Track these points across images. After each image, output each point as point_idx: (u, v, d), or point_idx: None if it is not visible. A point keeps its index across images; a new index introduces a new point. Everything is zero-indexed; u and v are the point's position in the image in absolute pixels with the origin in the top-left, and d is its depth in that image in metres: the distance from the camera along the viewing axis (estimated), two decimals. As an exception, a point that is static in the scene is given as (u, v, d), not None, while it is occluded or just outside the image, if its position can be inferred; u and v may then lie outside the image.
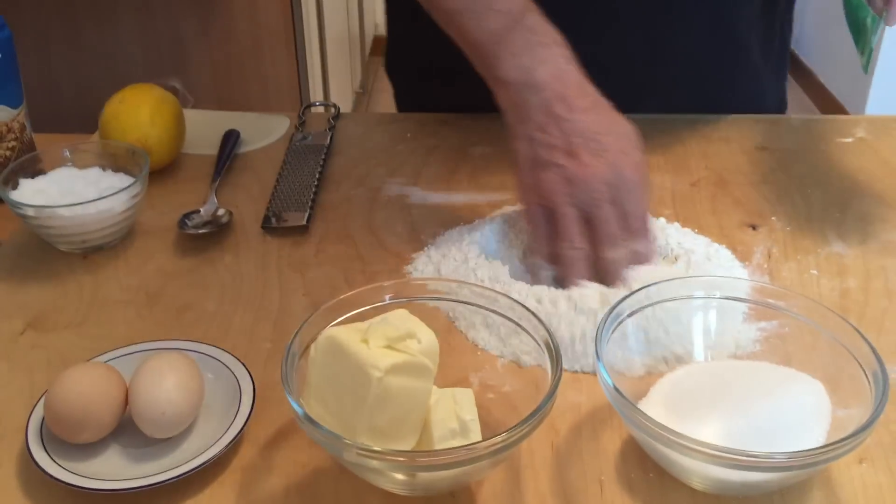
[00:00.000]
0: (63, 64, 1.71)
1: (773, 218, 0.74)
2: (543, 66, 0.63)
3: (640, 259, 0.62)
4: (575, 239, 0.62)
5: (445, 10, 0.68)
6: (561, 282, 0.63)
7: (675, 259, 0.66)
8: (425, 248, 0.70)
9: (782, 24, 0.93)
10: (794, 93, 3.16)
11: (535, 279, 0.64)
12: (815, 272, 0.67)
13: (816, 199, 0.76)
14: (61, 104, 1.61)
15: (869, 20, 0.71)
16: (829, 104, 3.00)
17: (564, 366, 0.57)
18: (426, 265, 0.68)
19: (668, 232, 0.68)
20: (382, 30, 3.34)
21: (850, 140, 0.86)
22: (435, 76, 0.91)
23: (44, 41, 1.69)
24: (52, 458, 0.50)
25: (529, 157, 0.63)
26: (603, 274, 0.62)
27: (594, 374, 0.58)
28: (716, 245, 0.69)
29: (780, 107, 0.97)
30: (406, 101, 1.01)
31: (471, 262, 0.65)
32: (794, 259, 0.69)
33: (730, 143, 0.86)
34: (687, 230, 0.70)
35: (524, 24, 0.65)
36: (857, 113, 2.75)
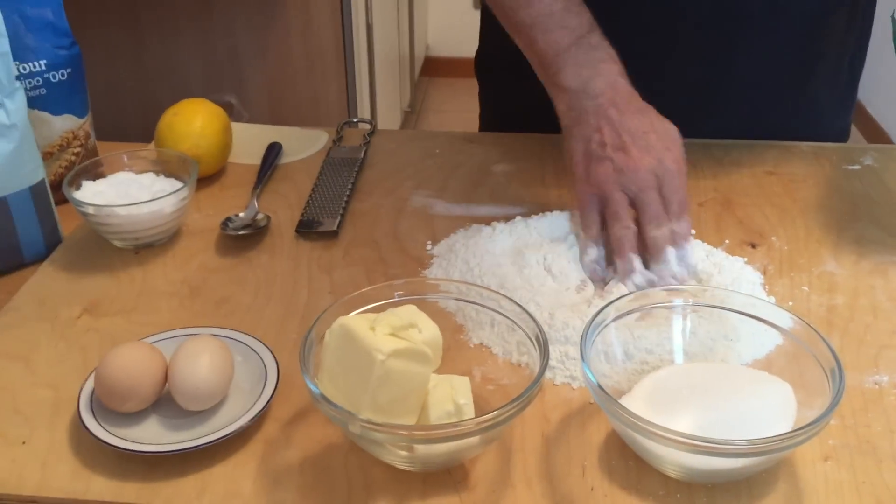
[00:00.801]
0: (128, 77, 1.82)
1: (772, 238, 0.78)
2: (600, 77, 0.73)
3: (679, 238, 0.70)
4: (625, 219, 0.69)
5: (517, 22, 0.77)
6: (610, 259, 0.71)
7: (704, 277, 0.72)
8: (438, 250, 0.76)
9: (852, 58, 0.96)
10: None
11: (582, 260, 0.71)
12: (806, 289, 0.72)
13: (816, 222, 0.81)
14: (124, 115, 1.70)
15: None
16: (873, 132, 2.99)
17: (571, 372, 0.62)
18: (446, 259, 0.74)
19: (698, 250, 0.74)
20: (433, 51, 3.43)
21: (857, 167, 0.90)
22: (520, 76, 0.98)
23: (111, 56, 1.80)
24: (101, 425, 0.57)
25: (585, 154, 0.72)
26: (648, 250, 0.70)
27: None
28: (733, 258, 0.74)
29: (841, 137, 1.01)
30: (490, 102, 1.08)
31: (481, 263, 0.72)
32: (788, 276, 0.73)
33: (740, 166, 0.91)
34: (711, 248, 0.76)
35: (588, 41, 0.74)
36: (897, 141, 2.75)
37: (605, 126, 0.71)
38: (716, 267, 0.72)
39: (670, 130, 0.72)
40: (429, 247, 0.78)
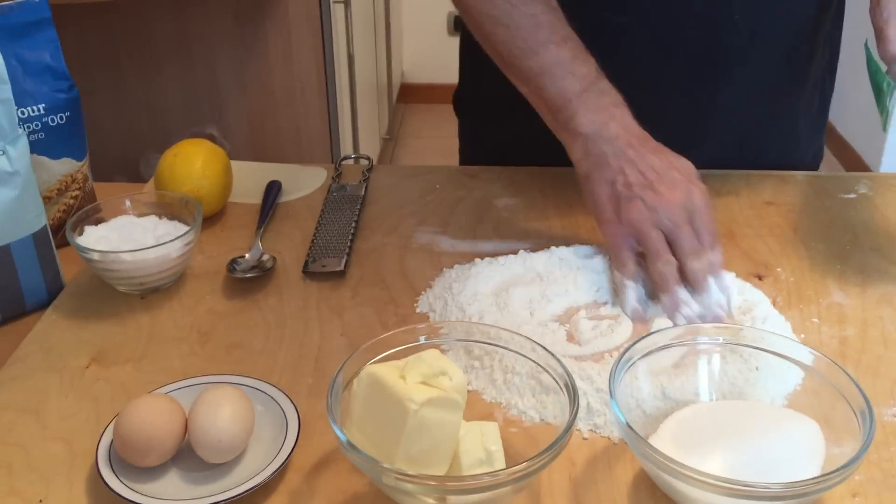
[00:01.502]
0: (107, 111, 1.81)
1: (778, 269, 0.79)
2: (613, 121, 0.75)
3: (715, 267, 0.71)
4: (665, 254, 0.70)
5: (523, 69, 0.78)
6: (653, 296, 0.72)
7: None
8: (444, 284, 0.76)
9: (823, 82, 0.99)
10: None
11: (620, 299, 0.73)
12: (816, 320, 0.72)
13: (819, 252, 0.82)
14: (105, 148, 1.69)
15: (885, 85, 0.77)
16: (850, 159, 3.05)
17: (595, 421, 0.62)
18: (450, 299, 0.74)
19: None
20: (409, 77, 3.44)
21: (852, 196, 0.91)
22: (502, 114, 0.99)
23: (90, 90, 1.78)
24: (120, 480, 0.56)
25: (611, 196, 0.73)
26: (689, 283, 0.71)
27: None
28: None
29: (815, 161, 1.04)
30: (470, 138, 1.09)
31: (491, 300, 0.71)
32: (797, 308, 0.74)
33: (739, 197, 0.92)
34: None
35: (598, 87, 0.76)
36: (874, 168, 2.80)
37: (627, 167, 0.72)
38: (743, 299, 0.73)
39: (688, 165, 0.74)
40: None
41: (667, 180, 0.72)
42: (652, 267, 0.71)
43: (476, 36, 0.81)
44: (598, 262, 0.77)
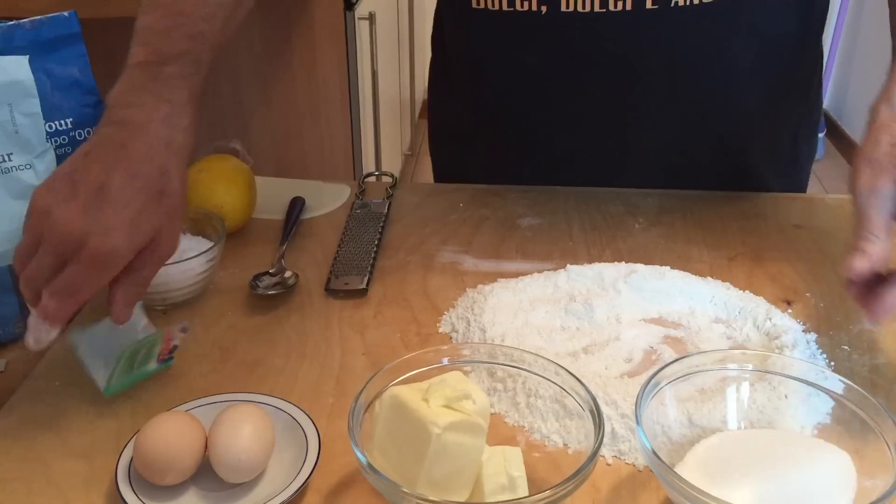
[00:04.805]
0: (132, 125, 1.82)
1: (807, 294, 0.78)
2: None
3: None
4: None
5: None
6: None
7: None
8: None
9: (810, 112, 0.98)
10: (836, 164, 3.18)
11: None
12: (846, 348, 0.71)
13: (849, 277, 0.80)
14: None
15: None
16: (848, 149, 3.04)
17: (619, 447, 0.61)
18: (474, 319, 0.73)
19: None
20: (431, 94, 3.44)
21: (883, 220, 0.90)
22: (471, 148, 0.99)
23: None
24: (139, 498, 0.56)
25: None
26: None
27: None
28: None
29: (801, 189, 1.04)
30: (443, 171, 1.10)
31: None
32: (827, 335, 0.72)
33: (767, 220, 0.90)
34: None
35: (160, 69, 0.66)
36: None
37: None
38: (772, 324, 0.72)
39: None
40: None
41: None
42: None
43: None
44: (622, 283, 0.76)
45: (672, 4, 0.82)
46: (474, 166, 1.02)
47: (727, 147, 0.94)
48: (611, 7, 0.82)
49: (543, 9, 0.84)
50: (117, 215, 0.58)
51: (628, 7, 0.82)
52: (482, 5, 0.87)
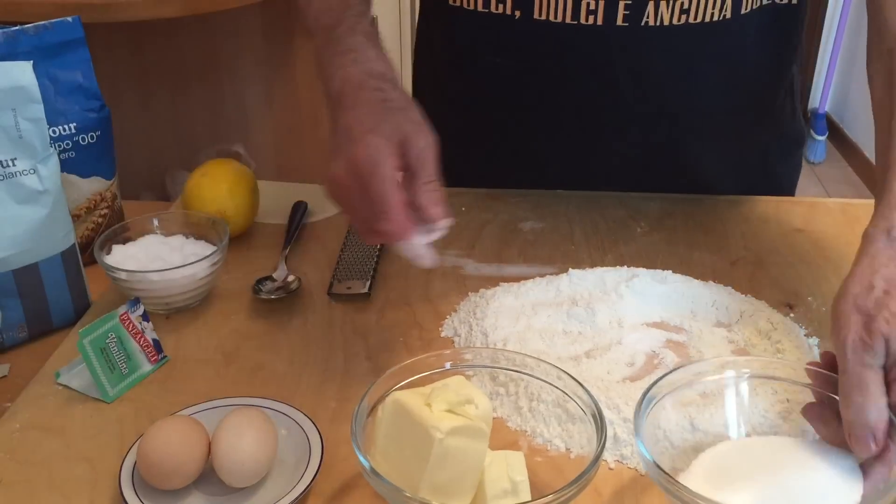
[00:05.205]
0: (133, 128, 1.82)
1: (809, 298, 0.78)
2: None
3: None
4: None
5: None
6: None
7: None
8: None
9: (792, 119, 0.99)
10: (838, 167, 3.18)
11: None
12: (848, 351, 0.71)
13: (851, 281, 0.80)
14: (131, 166, 1.70)
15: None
16: (860, 162, 3.04)
17: (622, 451, 0.61)
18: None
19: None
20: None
21: (885, 224, 0.90)
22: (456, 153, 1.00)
23: (117, 107, 1.80)
24: (143, 502, 0.56)
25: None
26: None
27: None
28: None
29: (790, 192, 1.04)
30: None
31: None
32: (829, 338, 0.72)
33: (768, 224, 0.90)
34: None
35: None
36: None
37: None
38: (773, 328, 0.72)
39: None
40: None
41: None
42: None
43: None
44: (624, 287, 0.76)
45: (642, 24, 0.82)
46: (456, 167, 1.01)
47: (693, 163, 0.94)
48: (582, 20, 0.82)
49: (517, 13, 0.84)
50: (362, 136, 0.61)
51: (599, 21, 0.82)
52: (458, 3, 0.87)
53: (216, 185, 0.85)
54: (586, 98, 0.89)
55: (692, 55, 0.86)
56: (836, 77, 3.31)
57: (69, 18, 0.79)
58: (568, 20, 0.83)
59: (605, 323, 0.73)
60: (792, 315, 0.75)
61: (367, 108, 0.63)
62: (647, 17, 0.81)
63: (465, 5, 0.87)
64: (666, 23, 0.82)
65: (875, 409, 0.53)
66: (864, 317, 0.55)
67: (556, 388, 0.60)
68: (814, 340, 0.72)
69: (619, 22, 0.82)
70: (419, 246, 0.63)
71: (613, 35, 0.83)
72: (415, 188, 0.62)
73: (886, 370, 0.54)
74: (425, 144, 0.63)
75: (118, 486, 0.57)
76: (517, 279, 0.80)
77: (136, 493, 0.56)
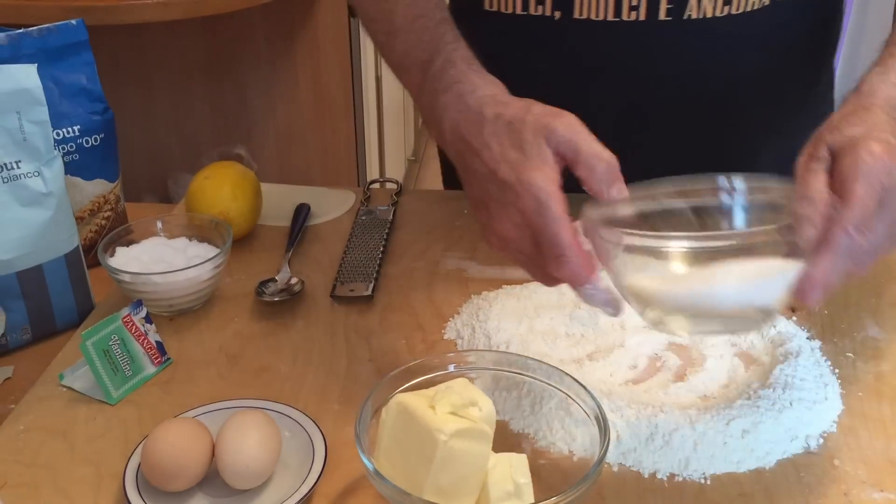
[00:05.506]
0: (136, 131, 1.83)
1: (811, 301, 0.78)
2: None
3: None
4: None
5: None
6: None
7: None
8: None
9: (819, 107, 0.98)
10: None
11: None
12: (850, 355, 0.71)
13: (853, 285, 0.80)
14: (134, 168, 1.71)
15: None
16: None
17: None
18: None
19: None
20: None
21: (887, 227, 0.90)
22: None
23: (120, 109, 1.80)
24: (147, 504, 0.56)
25: None
26: None
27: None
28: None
29: None
30: (453, 176, 1.10)
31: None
32: (831, 342, 0.73)
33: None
34: None
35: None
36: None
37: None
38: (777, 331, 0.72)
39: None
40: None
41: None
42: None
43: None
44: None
45: (685, 17, 0.82)
46: None
47: (734, 158, 0.94)
48: (624, 16, 0.82)
49: (557, 14, 0.84)
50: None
51: (641, 17, 0.82)
52: (495, 7, 0.87)
53: (219, 188, 0.85)
54: (626, 96, 0.88)
55: (734, 46, 0.85)
56: (837, 80, 3.31)
57: (73, 21, 0.80)
58: (610, 17, 0.82)
59: (608, 325, 0.73)
60: (795, 318, 0.75)
61: (496, 141, 0.60)
62: (690, 10, 0.81)
63: (502, 9, 0.86)
64: (709, 14, 0.82)
65: (814, 192, 0.55)
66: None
67: (559, 390, 0.60)
68: (816, 343, 0.72)
69: (662, 16, 0.81)
70: (602, 291, 0.59)
71: (655, 30, 0.82)
72: (582, 176, 0.59)
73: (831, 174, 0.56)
74: (566, 132, 0.60)
75: (122, 487, 0.57)
76: (520, 282, 0.80)
77: (141, 495, 0.56)
